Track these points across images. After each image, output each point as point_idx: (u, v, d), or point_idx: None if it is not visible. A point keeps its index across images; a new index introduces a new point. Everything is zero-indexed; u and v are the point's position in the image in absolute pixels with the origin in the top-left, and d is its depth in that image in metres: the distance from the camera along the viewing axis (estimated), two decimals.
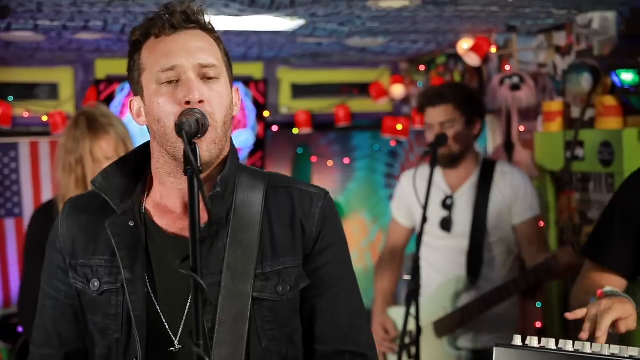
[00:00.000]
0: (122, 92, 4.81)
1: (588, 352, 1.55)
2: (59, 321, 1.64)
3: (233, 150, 1.62)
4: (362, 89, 5.29)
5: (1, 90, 4.70)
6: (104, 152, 2.93)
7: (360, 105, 5.31)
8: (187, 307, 1.54)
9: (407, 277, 3.02)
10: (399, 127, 5.08)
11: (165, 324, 1.56)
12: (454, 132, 3.28)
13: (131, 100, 1.61)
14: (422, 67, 4.96)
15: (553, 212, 3.68)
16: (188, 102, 1.49)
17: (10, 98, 4.70)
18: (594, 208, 3.47)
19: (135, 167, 1.65)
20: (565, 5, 3.18)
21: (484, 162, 3.42)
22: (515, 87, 3.80)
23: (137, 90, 1.59)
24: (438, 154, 3.20)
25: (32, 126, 4.82)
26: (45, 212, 3.07)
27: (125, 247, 1.56)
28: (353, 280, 1.67)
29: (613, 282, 2.11)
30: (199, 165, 1.41)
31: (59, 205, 2.99)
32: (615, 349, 1.55)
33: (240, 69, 5.04)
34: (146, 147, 1.65)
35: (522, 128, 4.03)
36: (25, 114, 4.73)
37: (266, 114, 5.09)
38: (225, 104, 1.55)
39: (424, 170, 3.28)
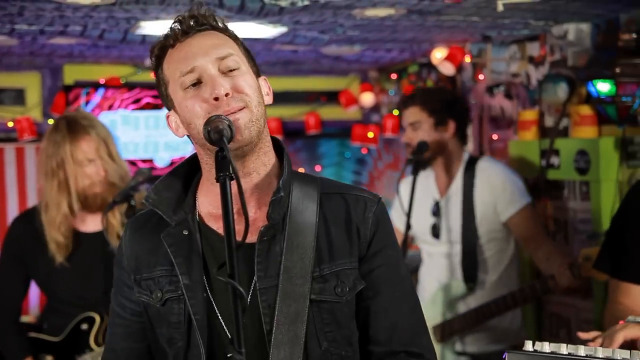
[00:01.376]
0: (89, 96, 4.75)
1: (600, 356, 1.57)
2: (126, 338, 1.68)
3: (287, 156, 1.65)
4: (331, 97, 5.32)
5: None
6: (85, 154, 2.88)
7: (329, 112, 5.34)
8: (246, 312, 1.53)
9: None
10: (370, 134, 5.11)
11: (225, 328, 1.57)
12: (422, 134, 3.33)
13: (167, 116, 1.64)
14: (394, 76, 5.00)
15: None
16: (216, 99, 1.51)
17: None
18: (568, 215, 3.54)
19: (185, 177, 1.68)
20: (543, 16, 3.24)
21: (468, 161, 3.40)
22: (508, 96, 3.87)
23: (168, 104, 1.62)
24: (424, 152, 3.27)
25: None
26: (26, 220, 3.00)
27: (181, 255, 1.59)
28: (407, 282, 1.69)
29: (635, 294, 2.16)
30: (236, 168, 1.42)
31: (41, 213, 2.92)
32: (625, 354, 1.57)
33: None
34: (195, 156, 1.68)
35: (495, 136, 4.09)
36: None
37: None
38: (253, 86, 1.57)
39: (421, 177, 3.36)
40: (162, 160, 5.00)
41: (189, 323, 1.57)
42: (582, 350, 1.59)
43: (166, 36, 1.59)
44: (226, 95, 1.51)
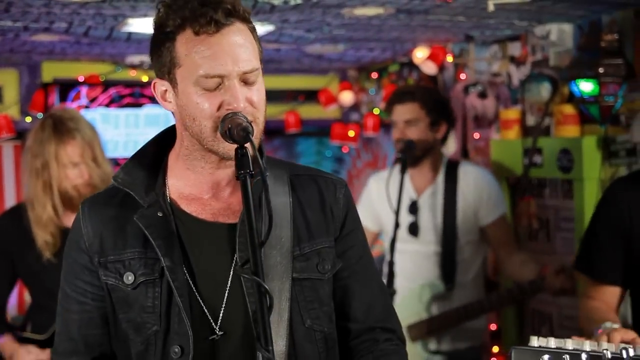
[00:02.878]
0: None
1: (606, 349, 1.59)
2: (85, 325, 1.61)
3: (262, 141, 1.64)
4: (311, 96, 5.32)
5: None
6: (69, 157, 2.87)
7: (308, 111, 5.35)
8: (227, 292, 1.55)
9: None
10: (351, 133, 5.12)
11: (206, 311, 1.55)
12: (416, 131, 3.31)
13: (155, 82, 1.57)
14: (374, 75, 5.03)
15: (510, 218, 3.78)
16: (229, 108, 1.49)
17: None
18: (550, 213, 3.60)
19: (154, 158, 1.65)
20: (527, 17, 3.28)
21: (448, 164, 3.44)
22: (482, 95, 3.90)
23: (165, 75, 1.54)
24: (413, 150, 3.27)
25: None
26: (13, 217, 2.97)
27: (160, 237, 1.55)
28: (374, 264, 1.77)
29: (608, 293, 2.23)
30: (265, 167, 1.45)
31: (27, 210, 2.90)
32: (632, 350, 1.60)
33: None
34: (163, 136, 1.66)
35: (476, 135, 4.13)
36: None
37: None
38: (263, 100, 1.56)
39: (396, 175, 3.31)
40: None
41: (167, 306, 1.53)
42: (587, 346, 1.62)
43: (190, 15, 1.46)
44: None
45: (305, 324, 1.58)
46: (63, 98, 4.68)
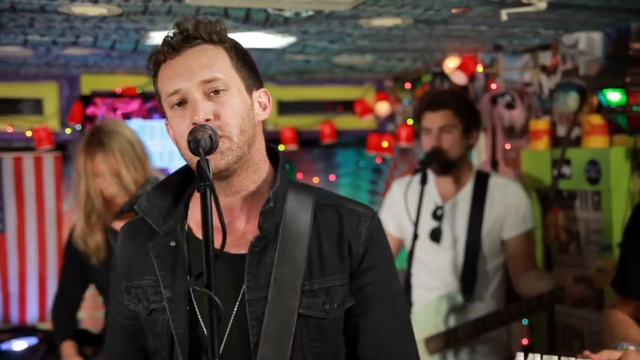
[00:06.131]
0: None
1: None
2: (121, 340, 1.69)
3: (283, 165, 1.64)
4: (346, 106, 5.32)
5: None
6: (97, 168, 2.97)
7: (345, 122, 5.34)
8: (230, 323, 1.54)
9: None
10: (385, 144, 5.10)
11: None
12: (451, 139, 3.23)
13: (166, 124, 1.65)
14: (407, 85, 5.00)
15: (539, 230, 3.71)
16: (195, 123, 1.50)
17: None
18: (580, 225, 3.51)
19: (178, 187, 1.68)
20: (552, 25, 3.22)
21: (478, 174, 3.37)
22: (509, 106, 3.82)
23: (164, 115, 1.64)
24: (436, 160, 3.20)
25: (16, 141, 4.81)
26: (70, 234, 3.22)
27: (166, 267, 1.58)
28: (398, 300, 1.66)
29: (634, 308, 2.18)
30: (211, 178, 1.42)
31: (76, 224, 3.12)
32: None
33: None
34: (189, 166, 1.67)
35: (507, 146, 4.07)
36: (9, 129, 4.70)
37: None
38: (239, 112, 1.55)
39: (415, 185, 3.25)
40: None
41: (170, 336, 1.57)
42: None
43: (157, 50, 1.59)
44: (207, 120, 1.50)
45: None
46: (101, 110, 4.79)
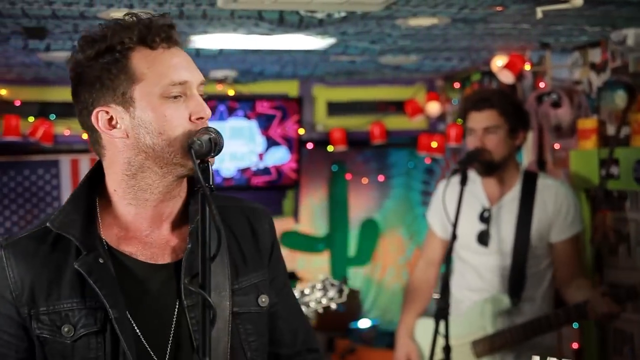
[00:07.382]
0: None
1: None
2: None
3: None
4: (397, 107, 5.30)
5: (44, 108, 4.83)
6: None
7: (395, 122, 5.32)
8: (171, 334, 1.53)
9: (436, 296, 2.98)
10: (434, 144, 5.06)
11: (152, 354, 1.52)
12: (496, 139, 3.17)
13: (100, 111, 1.48)
14: (456, 85, 4.95)
15: (588, 231, 3.62)
16: (200, 118, 1.49)
17: (53, 116, 4.82)
18: (630, 226, 3.41)
19: (87, 200, 1.56)
20: (598, 22, 3.14)
21: (525, 175, 3.30)
22: (556, 104, 3.75)
23: (116, 99, 1.48)
24: (477, 161, 3.15)
25: (73, 144, 4.95)
26: None
27: (104, 286, 1.47)
28: (291, 286, 1.81)
29: None
30: (212, 183, 1.43)
31: None
32: None
33: (275, 87, 5.10)
34: (91, 175, 1.58)
35: (557, 146, 3.98)
36: (67, 132, 4.85)
37: (301, 131, 5.13)
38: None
39: (454, 186, 3.19)
40: (228, 170, 5.09)
41: (113, 356, 1.47)
42: None
43: (145, 32, 1.46)
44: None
45: (247, 356, 1.60)
46: None
